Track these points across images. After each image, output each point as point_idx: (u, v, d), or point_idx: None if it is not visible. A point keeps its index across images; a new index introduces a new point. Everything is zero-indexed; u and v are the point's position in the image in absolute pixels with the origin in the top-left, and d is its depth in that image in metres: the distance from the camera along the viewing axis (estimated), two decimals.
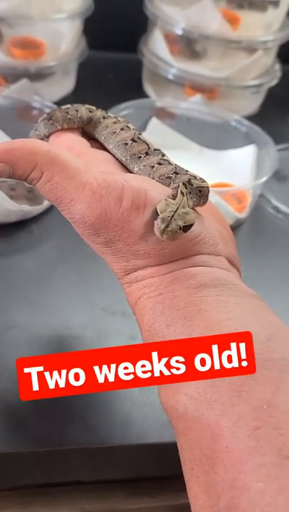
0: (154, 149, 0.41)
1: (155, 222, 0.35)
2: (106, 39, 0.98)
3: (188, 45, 0.86)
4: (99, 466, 0.50)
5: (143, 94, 0.94)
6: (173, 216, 0.35)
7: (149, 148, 0.41)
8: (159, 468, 0.52)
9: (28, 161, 0.36)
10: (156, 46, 0.88)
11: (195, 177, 0.40)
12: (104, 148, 0.44)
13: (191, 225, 0.36)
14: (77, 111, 0.44)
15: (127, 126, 0.43)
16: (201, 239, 0.37)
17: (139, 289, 0.37)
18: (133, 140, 0.42)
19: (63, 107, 0.44)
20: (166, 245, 0.36)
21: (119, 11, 0.97)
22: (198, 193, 0.39)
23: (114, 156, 0.43)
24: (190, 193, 0.38)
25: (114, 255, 0.37)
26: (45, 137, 0.44)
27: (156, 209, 0.36)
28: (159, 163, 0.40)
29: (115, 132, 0.43)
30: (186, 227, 0.35)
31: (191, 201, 0.38)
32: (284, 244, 0.71)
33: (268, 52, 0.87)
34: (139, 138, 0.42)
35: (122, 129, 0.43)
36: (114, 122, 0.44)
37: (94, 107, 0.45)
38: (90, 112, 0.45)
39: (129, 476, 0.53)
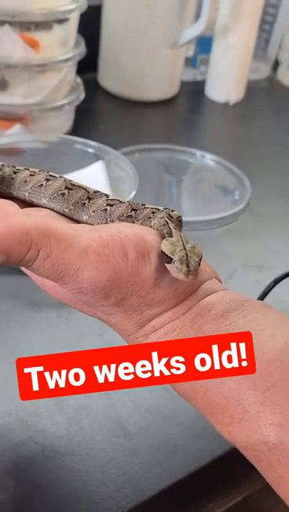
0: (94, 192, 0.39)
1: (171, 265, 0.34)
2: None
3: None
4: None
5: None
6: (187, 254, 0.34)
7: (88, 192, 0.39)
8: None
9: (22, 242, 0.32)
10: None
11: (158, 208, 0.39)
12: (29, 205, 0.40)
13: (201, 257, 0.35)
14: None
15: (51, 175, 0.40)
16: (200, 267, 0.37)
17: (159, 338, 0.36)
18: (68, 188, 0.39)
19: None
20: (179, 285, 0.36)
21: None
22: (178, 223, 0.38)
23: (51, 209, 0.40)
24: (175, 225, 0.37)
25: (125, 312, 0.35)
26: None
27: (161, 252, 0.35)
28: (110, 205, 0.38)
29: (42, 185, 0.40)
30: (200, 261, 0.35)
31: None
32: None
33: (70, 69, 0.87)
34: (72, 184, 0.39)
35: (47, 180, 0.40)
36: (32, 174, 0.41)
37: (0, 164, 0.41)
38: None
39: None
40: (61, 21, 0.84)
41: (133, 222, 0.38)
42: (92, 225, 0.38)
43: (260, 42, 1.20)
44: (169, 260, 0.34)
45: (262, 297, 0.58)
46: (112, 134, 0.93)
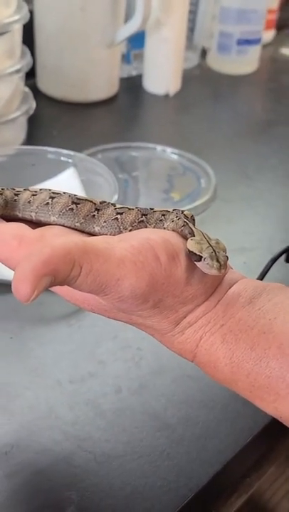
0: (100, 202, 0.40)
1: (202, 263, 0.36)
2: None
3: None
4: None
5: None
6: (214, 250, 0.36)
7: (95, 204, 0.40)
8: None
9: (66, 262, 0.33)
10: None
11: (167, 210, 0.41)
12: (37, 225, 0.41)
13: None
14: None
15: (54, 193, 0.41)
16: None
17: (196, 332, 0.38)
18: (75, 203, 0.40)
19: None
20: (208, 280, 0.38)
21: None
22: (193, 221, 0.40)
23: (62, 225, 0.40)
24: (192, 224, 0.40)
25: (161, 313, 0.37)
26: None
27: (189, 252, 0.37)
28: (119, 213, 0.40)
29: (48, 203, 0.40)
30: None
31: None
32: None
33: (20, 79, 0.87)
34: (78, 198, 0.40)
35: (52, 198, 0.40)
36: (34, 194, 0.41)
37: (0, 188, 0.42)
38: (1, 194, 0.42)
39: None
40: (5, 33, 0.83)
41: (146, 226, 0.40)
42: (106, 235, 0.40)
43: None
44: (199, 258, 0.36)
45: (261, 277, 0.61)
46: (67, 139, 0.94)
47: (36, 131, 0.96)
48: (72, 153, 0.78)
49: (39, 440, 0.50)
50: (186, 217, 0.39)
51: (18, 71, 0.84)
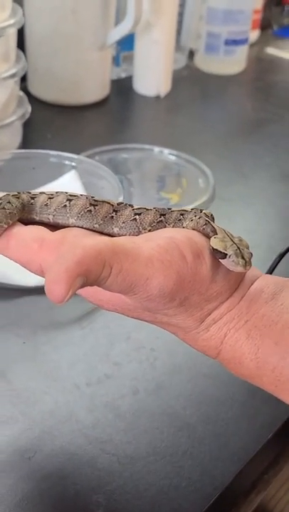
0: (118, 203, 0.40)
1: (227, 260, 0.37)
2: None
3: None
4: None
5: None
6: (239, 247, 0.37)
7: (112, 205, 0.40)
8: None
9: (98, 262, 0.34)
10: None
11: (186, 210, 0.41)
12: (54, 227, 0.41)
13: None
14: (9, 202, 0.40)
15: (71, 195, 0.41)
16: None
17: (220, 328, 0.38)
18: (92, 204, 0.40)
19: None
20: (231, 277, 0.38)
21: None
22: (212, 220, 0.41)
23: (80, 227, 0.40)
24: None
25: (187, 311, 0.38)
26: None
27: (213, 249, 0.37)
28: (137, 214, 0.40)
29: (65, 206, 0.40)
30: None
31: None
32: None
33: (16, 83, 0.87)
34: (95, 200, 0.40)
35: (69, 200, 0.40)
36: (50, 197, 0.41)
37: (15, 192, 0.41)
38: (17, 198, 0.41)
39: None
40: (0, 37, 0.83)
41: (165, 226, 0.40)
42: (125, 235, 0.40)
43: None
44: (224, 256, 0.37)
45: (269, 273, 0.62)
46: (62, 142, 0.93)
47: (30, 134, 0.95)
48: (75, 156, 0.78)
49: (62, 445, 0.50)
50: (206, 215, 0.40)
51: (13, 75, 0.83)
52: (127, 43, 1.12)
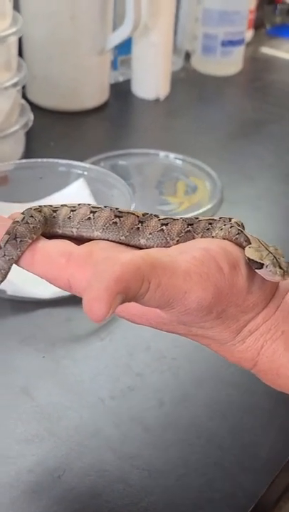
0: (143, 214, 0.40)
1: (264, 270, 0.36)
2: None
3: None
4: None
5: None
6: (275, 257, 0.36)
7: (138, 216, 0.39)
8: None
9: (137, 278, 0.33)
10: None
11: (214, 219, 0.40)
12: (78, 241, 0.40)
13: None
14: (32, 216, 0.40)
15: (94, 207, 0.40)
16: None
17: (257, 340, 0.38)
18: (117, 216, 0.39)
19: (16, 218, 0.38)
20: (267, 287, 0.38)
21: None
22: (243, 228, 0.40)
23: (106, 240, 0.39)
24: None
25: (223, 323, 0.37)
26: (17, 258, 0.38)
27: (249, 260, 0.36)
28: (164, 224, 0.39)
29: (90, 218, 0.39)
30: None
31: None
32: None
33: (19, 92, 0.86)
34: (120, 212, 0.39)
35: (92, 212, 0.39)
36: (73, 210, 0.40)
37: (37, 206, 0.40)
38: (39, 211, 0.41)
39: None
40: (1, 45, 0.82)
41: (193, 237, 0.39)
42: (152, 247, 0.39)
43: None
44: (260, 266, 0.36)
45: None
46: (65, 149, 0.93)
47: (32, 143, 0.94)
48: (85, 165, 0.77)
49: (90, 461, 0.49)
50: (237, 224, 0.39)
51: (15, 84, 0.82)
52: (124, 46, 1.11)
